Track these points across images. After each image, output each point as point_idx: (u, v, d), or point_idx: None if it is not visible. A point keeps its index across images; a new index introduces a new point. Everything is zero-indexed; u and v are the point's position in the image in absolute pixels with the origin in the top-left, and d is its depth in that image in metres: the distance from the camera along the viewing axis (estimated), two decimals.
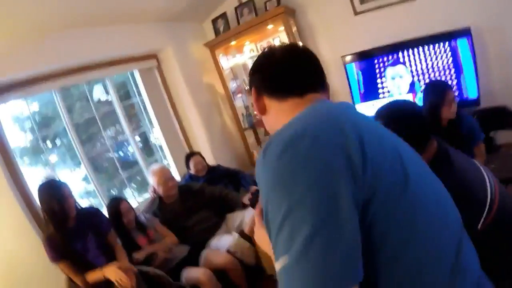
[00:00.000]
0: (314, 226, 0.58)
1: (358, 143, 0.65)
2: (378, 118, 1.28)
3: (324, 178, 0.61)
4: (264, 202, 0.67)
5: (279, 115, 0.88)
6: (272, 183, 0.65)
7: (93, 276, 2.08)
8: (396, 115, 1.27)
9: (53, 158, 3.08)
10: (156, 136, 3.88)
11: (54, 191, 2.06)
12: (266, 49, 0.99)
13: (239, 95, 4.16)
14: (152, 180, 2.83)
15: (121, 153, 3.72)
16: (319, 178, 0.61)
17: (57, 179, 2.28)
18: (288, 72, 0.91)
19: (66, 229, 2.09)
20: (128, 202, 2.61)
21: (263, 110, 0.95)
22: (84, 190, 3.19)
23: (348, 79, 3.61)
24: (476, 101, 2.91)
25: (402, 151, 0.75)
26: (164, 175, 2.78)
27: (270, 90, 0.91)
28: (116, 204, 2.52)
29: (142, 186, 3.67)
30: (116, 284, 2.00)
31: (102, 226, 2.29)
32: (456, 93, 2.56)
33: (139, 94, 3.73)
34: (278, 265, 0.61)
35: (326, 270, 0.56)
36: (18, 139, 2.84)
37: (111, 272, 2.02)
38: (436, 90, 2.21)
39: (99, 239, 2.22)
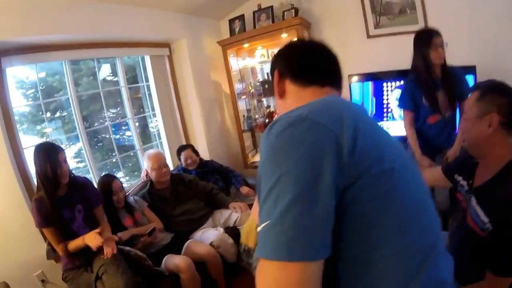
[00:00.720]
0: (293, 197, 0.64)
1: (352, 129, 0.71)
2: (477, 89, 1.37)
3: (311, 157, 0.67)
4: (259, 171, 0.73)
5: (298, 101, 0.90)
6: (268, 155, 0.72)
7: (74, 243, 2.08)
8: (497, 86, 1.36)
9: (49, 130, 3.09)
10: (156, 124, 3.93)
11: (50, 154, 2.04)
12: (296, 39, 1.07)
13: (244, 97, 4.22)
14: (146, 164, 2.86)
15: (118, 136, 3.76)
16: (307, 156, 0.67)
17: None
18: (317, 61, 0.97)
19: (56, 195, 2.09)
20: (120, 182, 2.63)
21: (282, 93, 0.99)
22: (75, 167, 3.20)
23: (351, 97, 3.69)
24: None
25: (393, 144, 0.81)
26: (159, 160, 2.81)
27: (296, 75, 0.96)
28: (109, 181, 2.54)
29: (133, 171, 3.71)
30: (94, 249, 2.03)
31: (92, 198, 2.29)
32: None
33: (146, 80, 3.78)
34: (259, 228, 0.67)
35: (295, 238, 0.63)
36: (19, 105, 2.85)
37: (91, 238, 2.02)
38: (424, 36, 2.34)
39: (87, 211, 2.23)
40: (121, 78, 3.45)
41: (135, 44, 3.47)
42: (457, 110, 2.53)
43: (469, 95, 1.39)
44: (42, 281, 2.47)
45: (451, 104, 2.42)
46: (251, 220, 1.16)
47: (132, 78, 3.77)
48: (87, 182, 2.36)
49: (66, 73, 2.92)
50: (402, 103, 2.62)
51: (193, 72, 3.85)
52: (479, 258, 1.31)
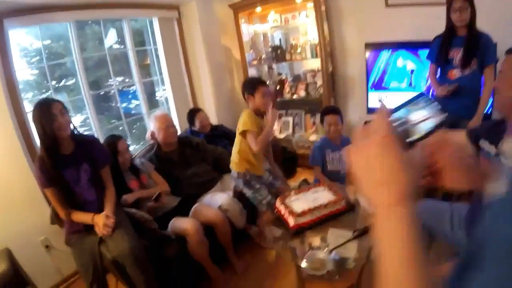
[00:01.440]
0: None
1: None
2: None
3: None
4: None
5: None
6: None
7: (80, 217, 2.05)
8: None
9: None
10: (163, 92, 3.86)
11: (42, 108, 1.92)
12: None
13: (255, 62, 4.13)
14: (153, 125, 2.77)
15: (125, 105, 3.70)
16: None
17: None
18: None
19: (60, 154, 2.01)
20: (126, 143, 2.57)
21: None
22: None
23: (366, 66, 3.61)
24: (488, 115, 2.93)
25: None
26: (167, 120, 2.74)
27: None
28: (114, 141, 2.47)
29: (140, 138, 3.67)
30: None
31: (99, 157, 2.19)
32: None
33: (154, 43, 3.68)
34: None
35: None
36: (24, 72, 2.78)
37: (100, 224, 2.00)
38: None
39: (93, 171, 2.14)
40: (128, 41, 3.34)
41: (143, 5, 3.35)
42: (479, 77, 2.56)
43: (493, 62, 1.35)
44: (46, 246, 2.48)
45: (465, 61, 2.50)
46: None
47: (140, 43, 3.67)
48: (95, 140, 2.28)
49: (72, 36, 2.82)
50: (428, 55, 2.79)
51: (203, 36, 3.75)
52: None
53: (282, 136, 4.23)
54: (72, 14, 2.73)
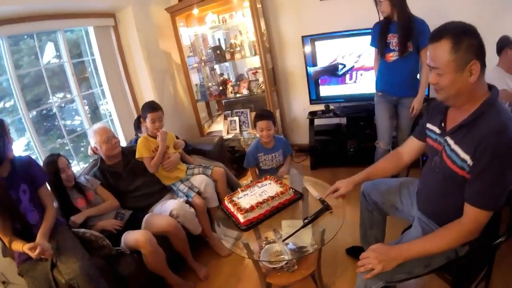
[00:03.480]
0: None
1: None
2: (442, 37, 1.27)
3: None
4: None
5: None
6: None
7: (17, 245, 1.91)
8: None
9: None
10: (106, 102, 3.72)
11: None
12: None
13: (195, 65, 4.10)
14: (93, 140, 2.63)
15: (69, 122, 3.50)
16: None
17: None
18: None
19: None
20: (67, 159, 2.45)
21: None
22: None
23: (305, 58, 3.70)
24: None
25: None
26: (107, 133, 2.62)
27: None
28: (54, 159, 2.35)
29: (87, 157, 3.51)
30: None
31: (36, 175, 2.10)
32: None
33: (92, 54, 3.54)
34: None
35: None
36: None
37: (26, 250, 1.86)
38: None
39: (33, 191, 2.05)
40: (64, 53, 3.19)
41: (77, 15, 3.21)
42: (415, 58, 2.73)
43: (433, 44, 1.30)
44: (3, 282, 2.29)
45: (400, 45, 2.67)
46: None
47: (78, 55, 3.50)
48: (31, 159, 2.15)
49: (4, 52, 2.65)
50: (371, 41, 2.95)
51: (141, 42, 3.65)
52: (458, 197, 1.36)
53: (230, 136, 4.24)
54: (3, 28, 2.57)
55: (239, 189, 2.13)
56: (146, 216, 2.45)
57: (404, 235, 1.64)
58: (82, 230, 2.20)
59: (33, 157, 2.73)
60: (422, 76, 2.73)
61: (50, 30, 3.10)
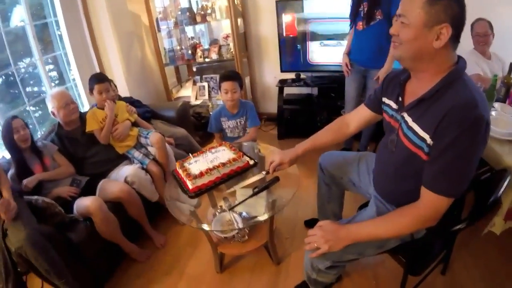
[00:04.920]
0: None
1: None
2: None
3: None
4: None
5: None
6: None
7: None
8: None
9: None
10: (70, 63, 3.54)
11: None
12: None
13: (164, 27, 3.94)
14: (51, 105, 2.52)
15: (35, 88, 3.32)
16: None
17: None
18: None
19: None
20: (23, 120, 2.33)
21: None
22: None
23: (278, 24, 3.60)
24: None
25: None
26: (65, 97, 2.50)
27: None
28: (8, 120, 2.25)
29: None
30: None
31: None
32: None
33: (55, 16, 3.31)
34: None
35: None
36: None
37: None
38: None
39: None
40: (25, 13, 2.97)
41: None
42: (386, 26, 2.58)
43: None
44: None
45: (368, 14, 2.62)
46: None
47: (44, 17, 3.27)
48: None
49: None
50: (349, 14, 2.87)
51: (107, 3, 3.44)
52: (415, 181, 1.24)
53: (198, 102, 4.15)
54: None
55: (190, 155, 2.06)
56: (101, 182, 2.38)
57: (358, 214, 1.55)
58: (35, 197, 2.12)
59: None
60: (391, 47, 2.63)
61: None
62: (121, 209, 2.30)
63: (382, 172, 1.51)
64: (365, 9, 2.63)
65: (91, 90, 2.68)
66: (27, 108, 3.05)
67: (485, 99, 1.14)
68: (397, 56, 1.25)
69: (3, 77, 2.93)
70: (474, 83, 1.17)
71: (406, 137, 1.25)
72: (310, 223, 2.40)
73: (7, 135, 2.22)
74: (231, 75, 2.57)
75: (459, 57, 1.19)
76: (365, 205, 1.72)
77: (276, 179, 1.83)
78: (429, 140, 1.14)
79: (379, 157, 1.55)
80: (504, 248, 2.11)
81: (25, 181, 2.17)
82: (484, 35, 2.78)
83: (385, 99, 1.46)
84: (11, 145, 2.24)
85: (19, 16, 3.02)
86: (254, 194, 1.75)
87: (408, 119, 1.25)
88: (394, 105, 1.37)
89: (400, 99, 1.33)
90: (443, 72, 1.16)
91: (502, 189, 1.36)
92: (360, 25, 2.71)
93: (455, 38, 1.13)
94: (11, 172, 2.21)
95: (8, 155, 2.35)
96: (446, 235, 1.51)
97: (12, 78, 2.96)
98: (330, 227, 1.34)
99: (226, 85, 2.53)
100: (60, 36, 3.39)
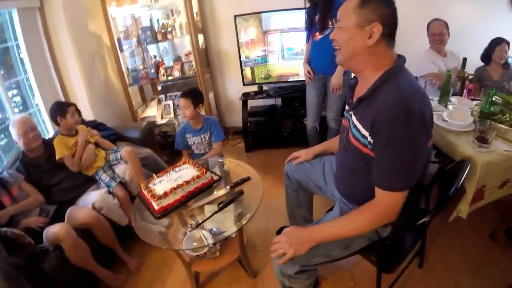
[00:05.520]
0: None
1: None
2: None
3: None
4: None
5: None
6: None
7: None
8: None
9: None
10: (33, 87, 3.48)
11: None
12: None
13: (126, 47, 3.95)
14: (13, 132, 2.50)
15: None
16: None
17: None
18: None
19: None
20: None
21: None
22: None
23: (237, 38, 3.66)
24: None
25: None
26: (25, 125, 2.46)
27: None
28: None
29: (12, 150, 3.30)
30: None
31: None
32: None
33: (16, 39, 3.27)
34: None
35: None
36: None
37: None
38: None
39: None
40: None
41: None
42: None
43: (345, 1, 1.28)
44: None
45: (321, 24, 2.73)
46: None
47: (5, 41, 3.22)
48: None
49: None
50: (304, 28, 3.00)
51: (68, 24, 3.42)
52: (369, 177, 1.29)
53: (164, 121, 4.14)
54: None
55: (155, 175, 2.07)
56: (68, 209, 2.34)
57: (324, 216, 1.60)
58: (4, 229, 2.08)
59: None
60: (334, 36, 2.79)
61: None
62: (91, 235, 2.27)
63: (340, 171, 1.58)
64: (318, 20, 2.74)
65: (63, 114, 2.62)
66: None
67: (422, 95, 1.23)
68: (338, 61, 1.36)
69: None
70: (412, 80, 1.26)
71: (353, 136, 1.33)
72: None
73: None
74: (184, 92, 2.66)
75: (399, 56, 1.29)
76: (332, 208, 1.77)
77: (240, 192, 1.87)
78: (369, 138, 1.23)
79: (337, 157, 1.62)
80: (473, 227, 2.30)
81: None
82: (440, 34, 2.96)
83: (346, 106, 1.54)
84: None
85: None
86: (220, 209, 1.78)
87: (353, 118, 1.33)
88: (347, 107, 1.47)
89: (350, 100, 1.44)
90: (381, 69, 1.25)
91: (463, 178, 1.45)
92: (316, 35, 2.81)
93: (389, 37, 1.23)
94: None
95: None
96: (413, 229, 1.56)
97: None
98: (294, 231, 1.38)
99: (180, 102, 2.65)
100: (22, 60, 3.34)
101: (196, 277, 2.14)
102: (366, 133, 1.23)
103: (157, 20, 3.99)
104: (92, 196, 2.45)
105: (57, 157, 2.55)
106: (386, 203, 1.24)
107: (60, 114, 2.64)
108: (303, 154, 1.95)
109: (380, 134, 1.17)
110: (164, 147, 3.71)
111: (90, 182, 2.69)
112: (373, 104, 1.22)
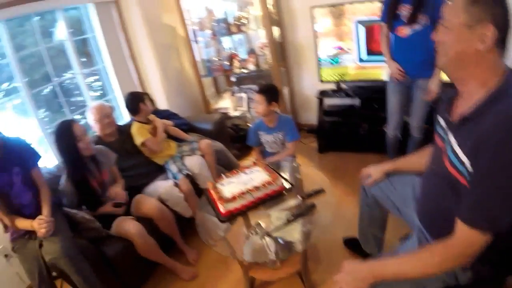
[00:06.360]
0: None
1: None
2: None
3: None
4: None
5: None
6: None
7: (22, 223, 1.98)
8: None
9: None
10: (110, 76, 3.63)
11: None
12: None
13: (200, 39, 3.95)
14: (89, 118, 2.60)
15: (79, 98, 3.42)
16: None
17: None
18: None
19: None
20: (81, 125, 2.27)
21: None
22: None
23: (314, 30, 3.45)
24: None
25: None
26: (101, 112, 2.55)
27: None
28: (67, 125, 2.16)
29: None
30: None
31: (27, 157, 2.08)
32: None
33: (93, 32, 3.42)
34: None
35: None
36: None
37: (36, 227, 1.92)
38: None
39: (25, 173, 2.04)
40: (64, 31, 3.09)
41: None
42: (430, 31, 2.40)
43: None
44: (6, 255, 2.35)
45: (411, 17, 2.39)
46: None
47: (82, 33, 3.39)
48: (21, 141, 2.12)
49: (3, 37, 2.59)
50: (381, 15, 2.64)
51: (143, 17, 3.51)
52: (454, 209, 1.08)
53: (237, 113, 4.10)
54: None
55: (223, 175, 1.99)
56: (136, 196, 2.41)
57: (400, 247, 1.43)
58: (74, 210, 2.16)
59: (38, 137, 2.82)
60: (437, 37, 2.43)
61: (50, 10, 3.01)
62: (153, 224, 2.32)
63: (424, 197, 1.36)
64: (405, 12, 2.40)
65: (142, 102, 2.72)
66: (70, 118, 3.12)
67: None
68: (440, 65, 1.16)
69: (51, 87, 3.05)
70: None
71: (449, 160, 1.12)
72: (350, 243, 2.24)
73: (68, 141, 2.16)
74: (260, 88, 2.57)
75: (509, 68, 1.06)
76: (407, 236, 1.58)
77: (313, 206, 1.72)
78: (469, 166, 1.01)
79: (424, 180, 1.40)
80: None
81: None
82: None
83: (438, 116, 1.31)
84: (71, 153, 2.18)
85: (62, 31, 3.13)
86: (289, 222, 1.65)
87: (452, 140, 1.11)
88: (443, 124, 1.24)
89: (448, 117, 1.20)
90: (489, 84, 1.03)
91: None
92: (401, 31, 2.48)
93: (501, 43, 1.01)
94: (62, 182, 2.20)
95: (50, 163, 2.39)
96: (497, 281, 1.28)
97: (58, 88, 3.07)
98: (353, 269, 1.22)
99: (255, 97, 2.54)
100: (100, 50, 3.49)
101: (251, 282, 2.08)
102: (467, 161, 1.02)
103: (231, 12, 3.93)
104: (160, 187, 2.50)
105: (139, 141, 2.62)
106: (465, 240, 1.03)
107: (141, 100, 2.73)
108: (374, 173, 1.75)
109: (483, 162, 0.97)
110: (234, 140, 3.67)
111: (159, 171, 2.73)
112: (479, 127, 1.00)
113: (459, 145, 1.07)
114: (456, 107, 1.18)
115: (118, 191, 2.33)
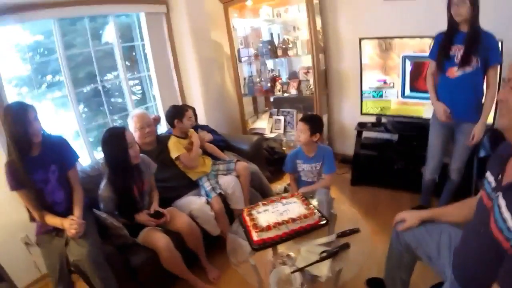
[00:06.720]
0: None
1: None
2: None
3: None
4: None
5: None
6: None
7: (52, 220, 2.01)
8: None
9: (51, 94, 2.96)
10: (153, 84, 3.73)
11: (18, 114, 1.86)
12: None
13: (245, 59, 4.00)
14: (130, 125, 2.66)
15: (119, 99, 3.57)
16: None
17: (25, 101, 2.04)
18: None
19: (29, 157, 1.95)
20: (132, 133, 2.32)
21: None
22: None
23: (360, 62, 3.41)
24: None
25: None
26: (142, 120, 2.61)
27: None
28: (121, 132, 2.17)
29: None
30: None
31: (67, 157, 2.14)
32: None
33: (142, 39, 3.55)
34: None
35: None
36: (16, 68, 2.71)
37: (67, 226, 1.96)
38: None
39: (61, 172, 2.09)
40: (114, 36, 3.22)
41: (129, 0, 3.25)
42: (482, 76, 2.36)
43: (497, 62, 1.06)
44: (26, 243, 2.45)
45: (464, 58, 2.32)
46: None
47: (131, 39, 3.55)
48: (62, 140, 2.17)
49: (55, 34, 2.72)
50: (430, 53, 2.61)
51: (191, 31, 3.60)
52: (494, 272, 1.03)
53: (273, 135, 4.10)
54: (54, 11, 2.62)
55: (260, 203, 1.97)
56: (168, 208, 2.43)
57: None
58: (105, 215, 2.19)
59: (75, 132, 2.91)
60: (487, 99, 2.34)
61: (101, 14, 3.15)
62: (180, 238, 2.33)
63: (464, 254, 1.29)
64: (459, 53, 2.32)
65: (182, 116, 2.74)
66: (109, 118, 3.28)
67: None
68: (503, 126, 1.11)
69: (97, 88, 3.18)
70: None
71: (496, 223, 1.05)
72: (373, 283, 2.18)
73: (120, 147, 2.16)
74: (305, 117, 2.56)
75: None
76: (437, 285, 1.54)
77: (346, 245, 1.68)
78: None
79: (465, 236, 1.34)
80: None
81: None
82: None
83: (488, 173, 1.25)
84: (122, 160, 2.17)
85: (110, 35, 3.27)
86: (322, 259, 1.62)
87: (502, 203, 1.05)
88: (493, 182, 1.17)
89: (499, 177, 1.13)
90: None
91: None
92: (453, 72, 2.40)
93: None
94: (101, 187, 2.21)
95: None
96: None
97: (100, 88, 3.19)
98: None
99: (298, 125, 2.52)
100: (146, 58, 3.59)
101: None
102: None
103: (278, 34, 3.98)
104: (192, 203, 2.52)
105: (174, 155, 2.65)
106: None
107: (178, 117, 2.72)
108: (409, 218, 1.68)
109: None
110: (269, 163, 3.67)
111: (191, 186, 2.73)
112: None
113: (509, 209, 1.01)
114: (509, 169, 1.12)
115: (140, 218, 2.29)
